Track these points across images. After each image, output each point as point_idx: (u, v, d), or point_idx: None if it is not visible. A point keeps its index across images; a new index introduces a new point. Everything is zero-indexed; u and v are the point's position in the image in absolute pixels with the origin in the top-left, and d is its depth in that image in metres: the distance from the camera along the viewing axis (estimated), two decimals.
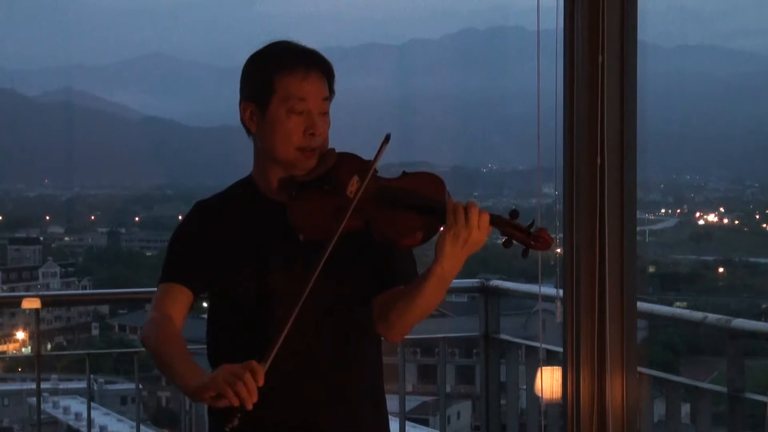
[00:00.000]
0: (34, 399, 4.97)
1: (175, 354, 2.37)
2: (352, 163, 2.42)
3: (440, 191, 2.37)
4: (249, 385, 2.17)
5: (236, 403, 2.18)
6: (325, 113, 2.47)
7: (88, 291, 22.28)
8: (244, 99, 2.49)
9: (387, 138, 2.36)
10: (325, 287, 2.39)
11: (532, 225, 2.32)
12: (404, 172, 2.41)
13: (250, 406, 2.18)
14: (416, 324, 2.43)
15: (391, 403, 2.66)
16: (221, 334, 2.53)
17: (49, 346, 25.95)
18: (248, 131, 2.51)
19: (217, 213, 2.53)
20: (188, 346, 2.42)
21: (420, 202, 2.34)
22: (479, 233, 2.27)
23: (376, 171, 2.39)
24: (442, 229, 2.30)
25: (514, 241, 2.31)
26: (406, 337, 2.53)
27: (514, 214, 2.32)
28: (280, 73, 2.43)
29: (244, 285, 2.45)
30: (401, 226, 2.34)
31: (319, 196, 2.40)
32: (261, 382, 2.19)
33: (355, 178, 2.38)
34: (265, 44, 2.52)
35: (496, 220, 2.31)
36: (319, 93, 2.45)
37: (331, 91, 2.49)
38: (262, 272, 2.44)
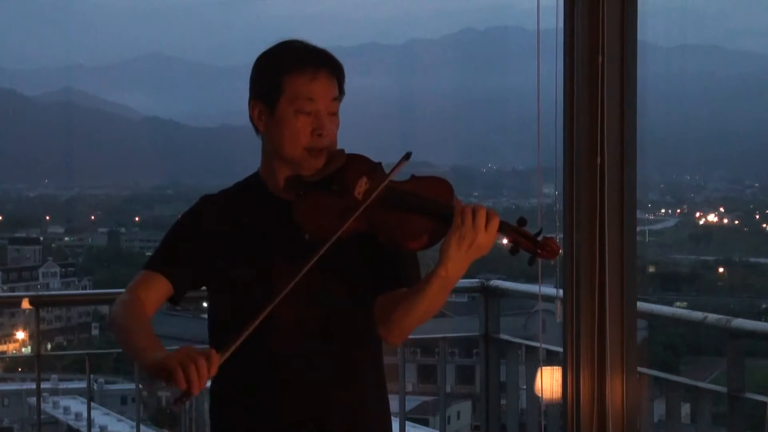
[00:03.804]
0: (34, 399, 4.97)
1: (139, 329, 2.33)
2: (361, 165, 2.40)
3: (449, 195, 2.35)
4: (201, 371, 2.12)
5: (183, 386, 2.12)
6: (334, 113, 2.45)
7: (88, 291, 22.26)
8: (253, 97, 2.47)
9: (407, 156, 2.33)
10: (330, 289, 2.39)
11: (539, 233, 2.30)
12: (413, 176, 2.39)
13: (195, 392, 2.13)
14: (416, 327, 2.41)
15: (391, 403, 2.65)
16: (221, 332, 2.49)
17: (49, 346, 25.95)
18: (256, 130, 2.49)
19: (222, 208, 2.51)
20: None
21: (428, 205, 2.32)
22: (485, 237, 2.23)
23: (384, 174, 2.38)
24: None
25: (521, 249, 2.30)
26: None
27: (521, 221, 2.30)
28: (289, 72, 2.41)
29: (246, 282, 2.43)
30: (408, 229, 2.32)
31: (326, 197, 2.38)
32: (214, 372, 2.15)
33: (364, 180, 2.37)
34: (275, 43, 2.49)
35: (504, 227, 2.28)
36: (328, 93, 2.43)
37: (341, 92, 2.47)
38: (264, 270, 2.42)
